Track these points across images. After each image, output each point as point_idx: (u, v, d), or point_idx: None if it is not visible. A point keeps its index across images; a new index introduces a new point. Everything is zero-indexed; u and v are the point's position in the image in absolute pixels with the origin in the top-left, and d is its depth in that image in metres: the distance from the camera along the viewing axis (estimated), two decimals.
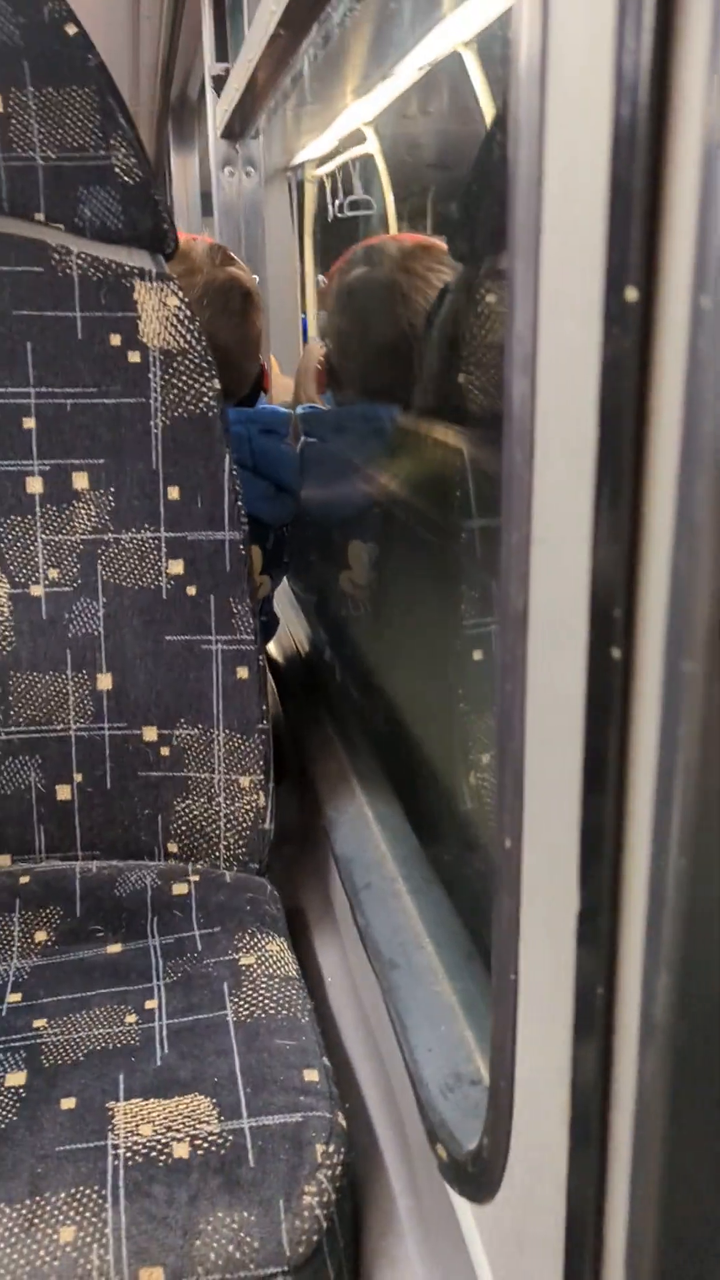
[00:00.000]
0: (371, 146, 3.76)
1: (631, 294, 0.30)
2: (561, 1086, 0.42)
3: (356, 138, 3.63)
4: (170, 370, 0.92)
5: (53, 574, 0.94)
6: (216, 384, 0.93)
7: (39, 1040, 0.76)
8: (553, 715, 0.39)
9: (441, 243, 1.30)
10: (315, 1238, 0.63)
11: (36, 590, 0.94)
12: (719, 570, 0.29)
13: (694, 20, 0.29)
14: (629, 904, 0.36)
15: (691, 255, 0.28)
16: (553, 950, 0.41)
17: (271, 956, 0.84)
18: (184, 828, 0.97)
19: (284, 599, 1.57)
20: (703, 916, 0.32)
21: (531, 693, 0.42)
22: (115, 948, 0.87)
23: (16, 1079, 0.72)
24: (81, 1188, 0.64)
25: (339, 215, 3.98)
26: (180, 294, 0.92)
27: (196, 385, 0.92)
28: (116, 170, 0.90)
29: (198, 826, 0.97)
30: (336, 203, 3.99)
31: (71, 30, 0.86)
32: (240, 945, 0.86)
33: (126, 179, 0.90)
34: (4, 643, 0.94)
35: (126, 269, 0.92)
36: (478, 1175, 0.54)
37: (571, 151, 0.34)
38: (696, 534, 0.29)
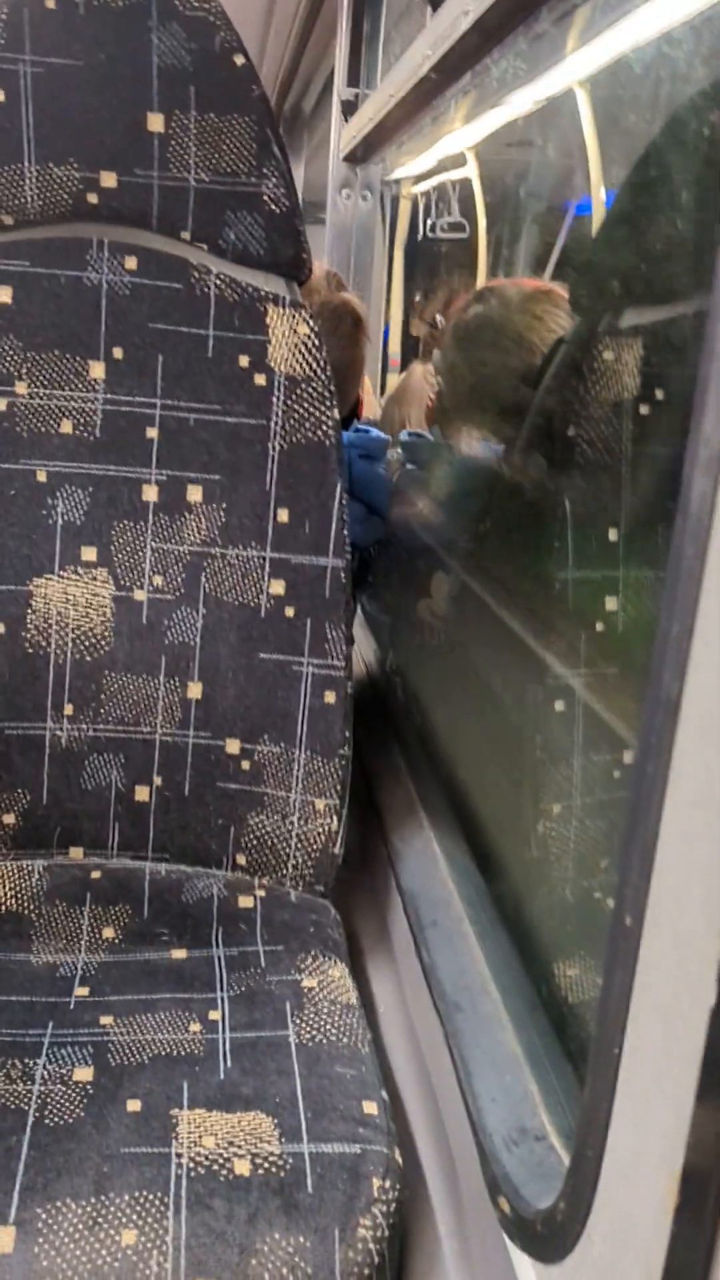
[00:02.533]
0: (470, 170, 3.78)
1: None
2: (668, 1168, 0.43)
3: (456, 160, 3.65)
4: (293, 396, 0.94)
5: (157, 581, 0.96)
6: (336, 414, 0.95)
7: (106, 1038, 0.78)
8: (698, 809, 0.40)
9: (557, 289, 1.32)
10: (367, 1271, 0.64)
11: (140, 595, 0.96)
12: None
13: None
14: None
15: None
16: (674, 1034, 0.42)
17: (333, 981, 0.86)
18: (254, 842, 0.99)
19: (358, 621, 1.59)
20: None
21: (674, 781, 0.43)
22: (180, 953, 0.89)
23: (84, 1074, 0.74)
24: (145, 1192, 0.65)
25: (429, 235, 4.00)
26: (311, 323, 0.94)
27: (317, 413, 0.94)
28: (265, 198, 0.92)
29: (268, 842, 0.99)
30: (429, 222, 4.01)
31: (239, 61, 0.88)
32: (303, 966, 0.87)
33: (274, 207, 0.92)
34: (103, 643, 0.96)
35: (262, 293, 0.94)
36: (549, 1236, 0.55)
37: None
38: None
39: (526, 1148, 0.64)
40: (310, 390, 0.94)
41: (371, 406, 2.35)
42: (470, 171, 3.79)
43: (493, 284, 1.32)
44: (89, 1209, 0.64)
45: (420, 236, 4.06)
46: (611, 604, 0.91)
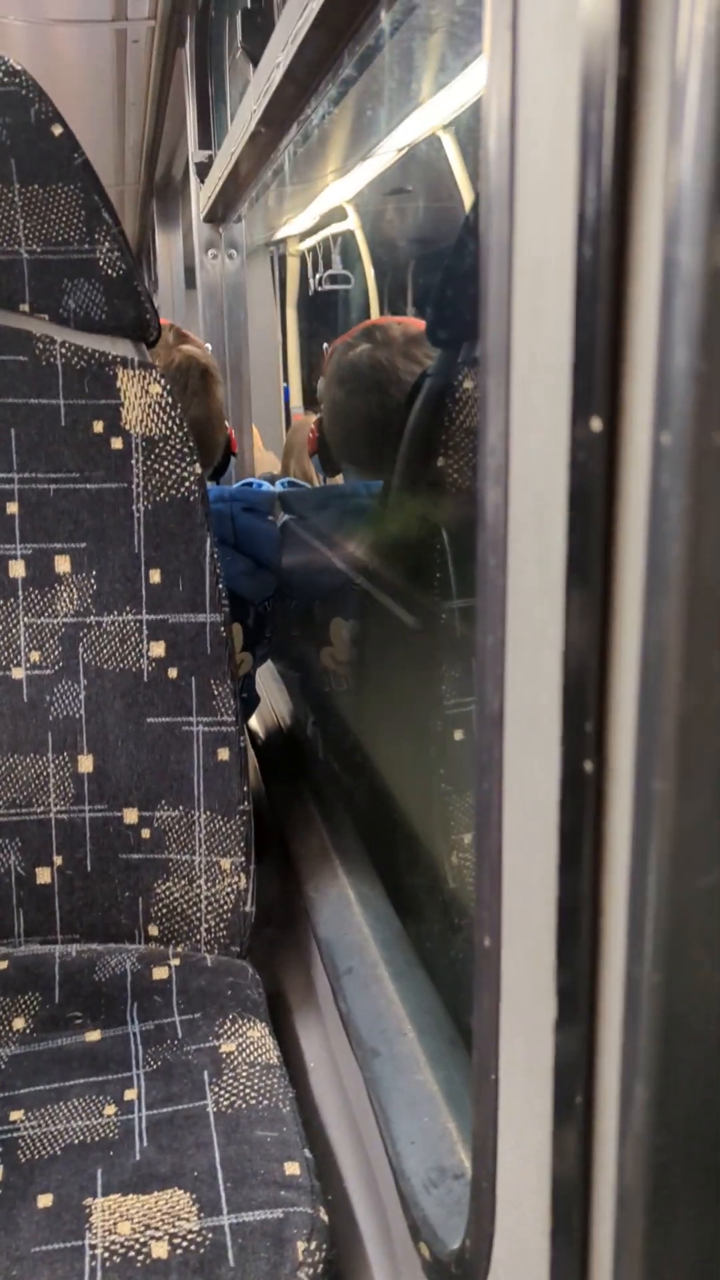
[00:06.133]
0: (352, 223, 3.85)
1: (596, 424, 0.32)
2: (542, 1189, 0.42)
3: (337, 214, 3.73)
4: (152, 456, 0.94)
5: (34, 656, 0.94)
6: (198, 468, 0.94)
7: (15, 1134, 0.75)
8: (529, 821, 0.40)
9: None
10: None
11: (18, 673, 0.94)
12: (687, 690, 0.30)
13: (649, 164, 0.30)
14: (605, 1010, 0.36)
15: (652, 391, 0.30)
16: (532, 1051, 0.41)
17: (253, 1043, 0.84)
18: (164, 910, 0.97)
19: (267, 674, 1.58)
20: (678, 1028, 0.32)
21: (508, 796, 0.42)
22: (94, 1035, 0.86)
23: None
24: None
25: (319, 289, 4.07)
26: (163, 382, 0.94)
27: (178, 470, 0.94)
28: (100, 263, 0.92)
29: (178, 909, 0.96)
30: (317, 277, 4.08)
31: (58, 131, 0.89)
32: (221, 1031, 0.85)
33: (110, 271, 0.92)
34: None
35: (110, 358, 0.94)
36: (460, 1277, 0.53)
37: (538, 282, 0.36)
38: (663, 655, 0.30)
39: (445, 1188, 0.63)
40: (169, 448, 0.94)
41: (265, 461, 2.37)
42: (352, 223, 3.87)
43: (378, 321, 1.34)
44: None
45: (311, 292, 4.13)
46: None
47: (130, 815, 0.96)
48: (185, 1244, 0.65)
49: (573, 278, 0.33)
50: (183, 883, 0.96)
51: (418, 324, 1.36)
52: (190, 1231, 0.66)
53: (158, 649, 0.94)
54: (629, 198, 0.31)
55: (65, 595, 0.94)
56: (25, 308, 0.92)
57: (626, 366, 0.31)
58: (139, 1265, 0.64)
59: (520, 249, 0.37)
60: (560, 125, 0.33)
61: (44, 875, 0.96)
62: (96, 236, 0.91)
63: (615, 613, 0.32)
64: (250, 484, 1.45)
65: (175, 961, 0.94)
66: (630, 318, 0.31)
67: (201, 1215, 0.67)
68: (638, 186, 0.30)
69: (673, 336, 0.28)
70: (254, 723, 1.52)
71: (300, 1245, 0.65)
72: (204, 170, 1.70)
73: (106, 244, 0.91)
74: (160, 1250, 0.65)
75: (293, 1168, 0.71)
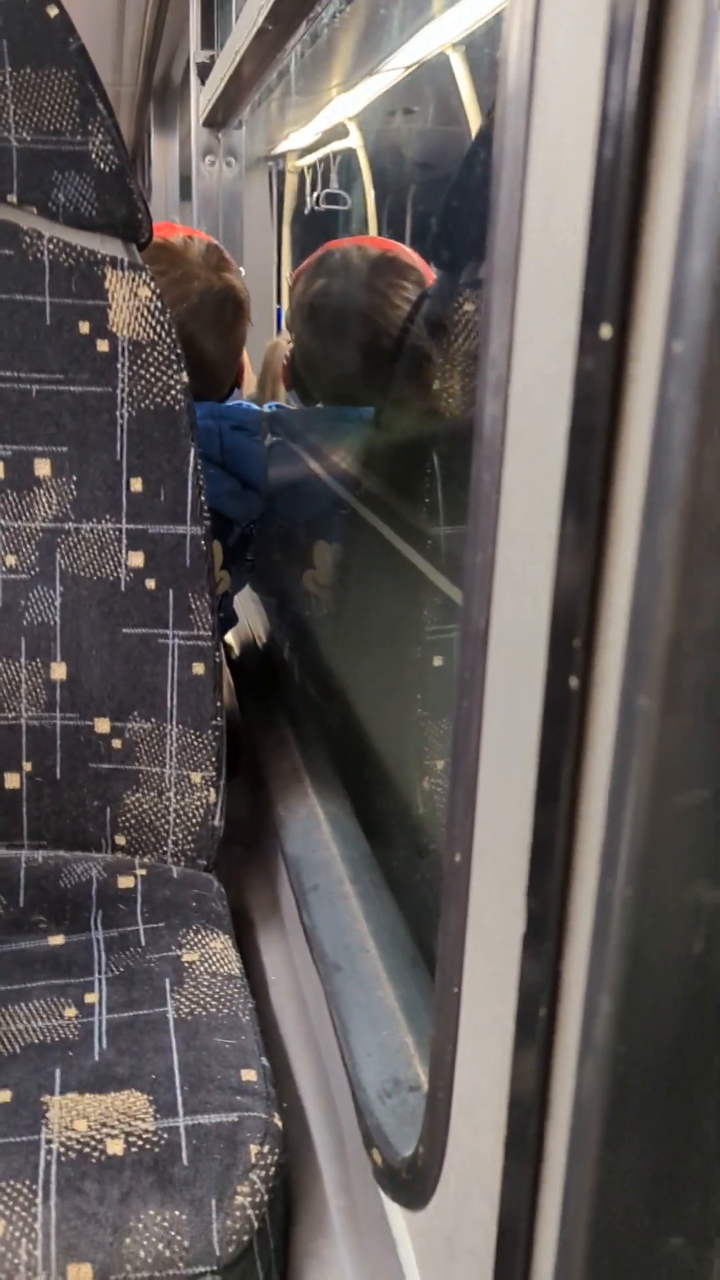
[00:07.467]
0: (354, 141, 3.75)
1: (606, 331, 0.31)
2: (499, 1100, 0.42)
3: (339, 132, 3.62)
4: (139, 361, 0.92)
5: (10, 561, 0.93)
6: (184, 377, 0.92)
7: None
8: (509, 737, 0.39)
9: (405, 252, 1.29)
10: (246, 1238, 0.63)
11: None
12: (679, 610, 0.29)
13: (680, 65, 0.29)
14: (574, 926, 0.36)
15: (666, 299, 0.29)
16: (497, 966, 0.42)
17: (215, 954, 0.84)
18: (133, 821, 0.97)
19: (246, 594, 1.57)
20: (646, 943, 0.33)
21: (489, 712, 0.42)
22: (57, 939, 0.87)
23: None
24: (12, 1182, 0.63)
25: (316, 208, 3.97)
26: (152, 285, 0.92)
27: (165, 377, 0.92)
28: (93, 156, 0.89)
29: (146, 820, 0.97)
30: (314, 195, 3.98)
31: (53, 12, 0.85)
32: (184, 941, 0.86)
33: (102, 165, 0.89)
34: None
35: (99, 256, 0.91)
36: (411, 1182, 0.54)
37: (553, 185, 0.34)
38: (658, 573, 0.29)
39: (399, 1098, 0.64)
40: (156, 354, 0.92)
41: (252, 383, 2.33)
42: (354, 142, 3.76)
43: (335, 246, 1.29)
44: None
45: (308, 211, 4.02)
46: None
47: (102, 725, 0.95)
48: (140, 1143, 0.66)
49: (590, 179, 0.32)
50: (152, 794, 0.96)
51: (378, 245, 1.30)
52: (146, 1131, 0.67)
53: (136, 559, 0.93)
54: (656, 95, 0.29)
55: (44, 499, 0.93)
56: (13, 199, 0.89)
57: (641, 271, 0.30)
58: (94, 1161, 0.65)
59: (536, 148, 0.36)
60: (588, 15, 0.32)
61: (13, 781, 0.96)
62: (90, 128, 0.88)
63: (611, 529, 0.32)
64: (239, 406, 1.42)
65: (141, 871, 0.94)
66: (648, 221, 0.30)
67: (158, 1116, 0.68)
68: (666, 83, 0.29)
69: (692, 242, 0.27)
70: (231, 642, 1.51)
71: (253, 1148, 0.66)
72: (205, 71, 1.64)
73: (100, 136, 0.88)
74: (115, 1148, 0.66)
75: (249, 1074, 0.72)
